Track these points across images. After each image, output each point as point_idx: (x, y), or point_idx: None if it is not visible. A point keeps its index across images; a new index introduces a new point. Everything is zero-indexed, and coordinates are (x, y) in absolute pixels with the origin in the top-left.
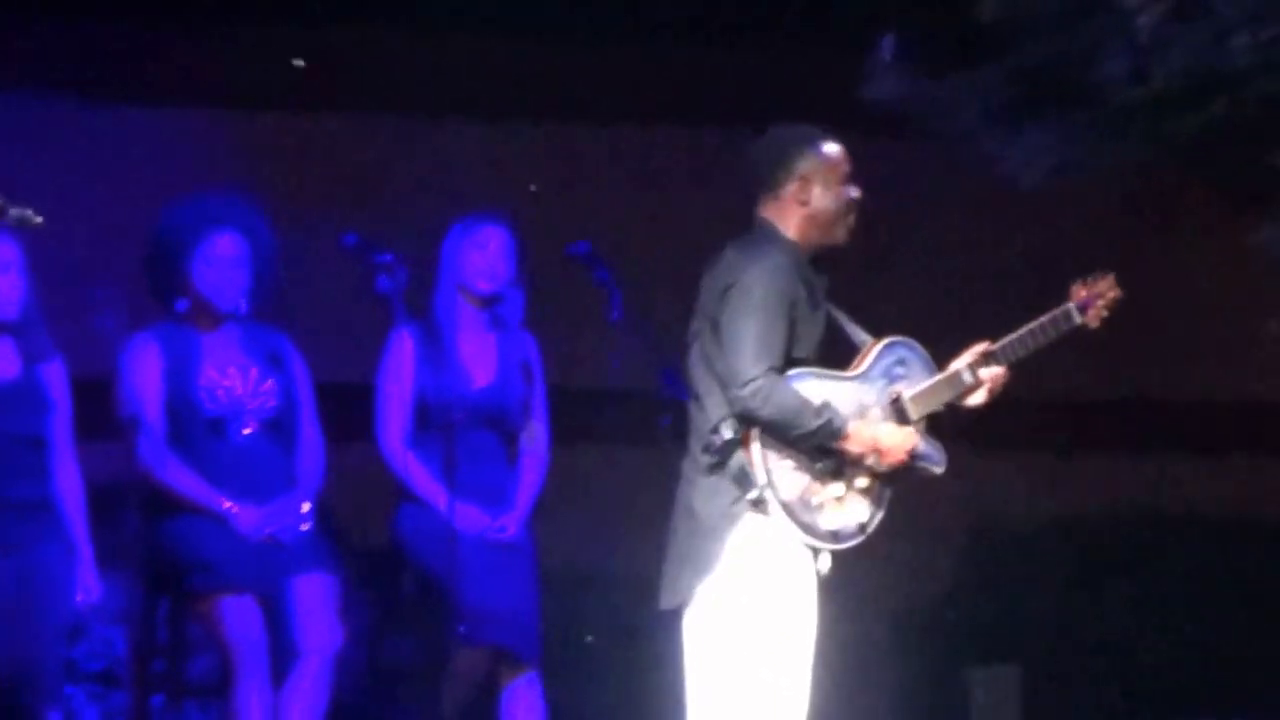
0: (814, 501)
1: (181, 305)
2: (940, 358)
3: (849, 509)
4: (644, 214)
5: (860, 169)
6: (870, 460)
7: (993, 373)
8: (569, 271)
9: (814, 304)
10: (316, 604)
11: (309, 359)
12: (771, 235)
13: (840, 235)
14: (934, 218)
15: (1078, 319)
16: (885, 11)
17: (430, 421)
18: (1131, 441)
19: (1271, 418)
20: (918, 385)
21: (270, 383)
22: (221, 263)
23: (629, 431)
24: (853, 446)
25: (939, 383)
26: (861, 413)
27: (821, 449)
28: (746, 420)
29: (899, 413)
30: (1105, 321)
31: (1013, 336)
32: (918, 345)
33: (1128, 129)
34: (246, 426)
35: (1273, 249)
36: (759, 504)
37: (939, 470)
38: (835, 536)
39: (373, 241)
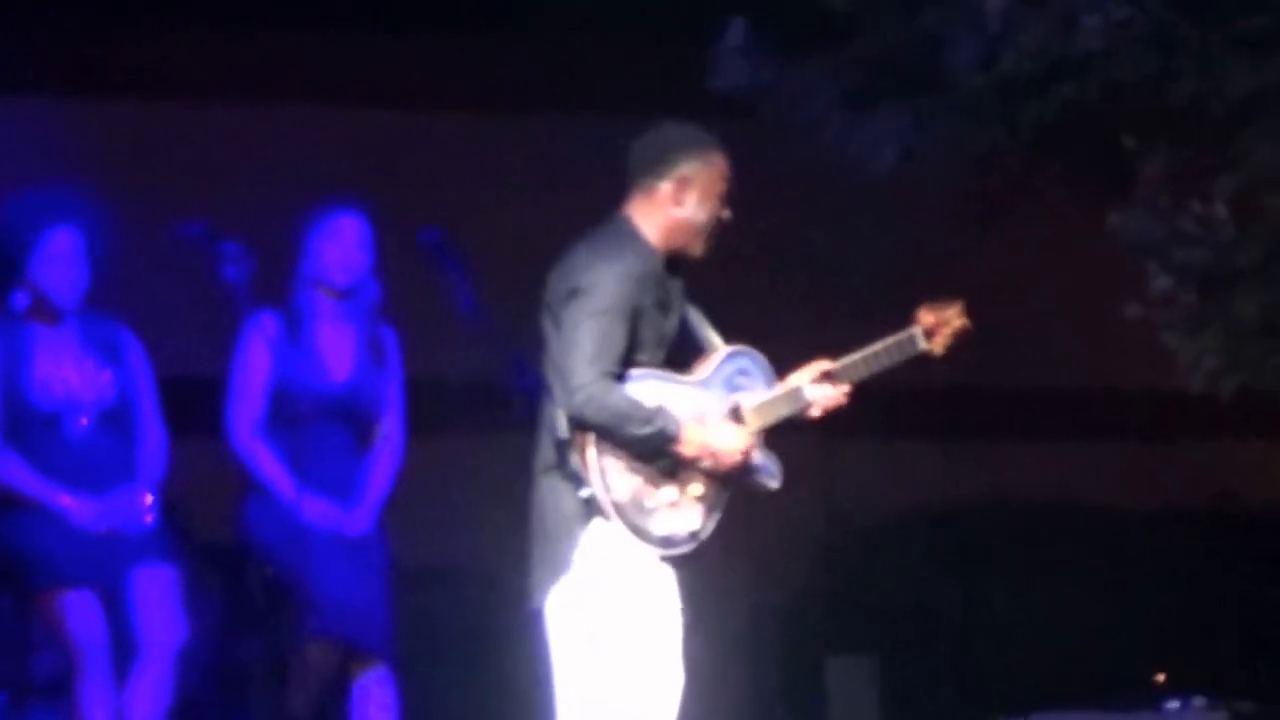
0: (647, 505)
1: (20, 302)
2: (791, 349)
3: (682, 515)
4: (495, 203)
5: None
6: (706, 464)
7: (830, 393)
8: (419, 261)
9: (665, 308)
10: (159, 598)
11: (154, 351)
12: (629, 236)
13: (699, 249)
14: (783, 205)
15: (922, 345)
16: None
17: (283, 413)
18: (986, 429)
19: (1128, 404)
20: (758, 397)
21: (108, 375)
22: (60, 259)
23: (482, 423)
24: (686, 450)
25: (778, 397)
26: (700, 419)
27: (656, 453)
28: (578, 424)
29: (737, 423)
30: (949, 350)
31: (854, 357)
32: (760, 356)
33: (977, 114)
34: (82, 419)
35: (1123, 234)
36: (591, 505)
37: (774, 485)
38: (666, 542)
39: (218, 230)
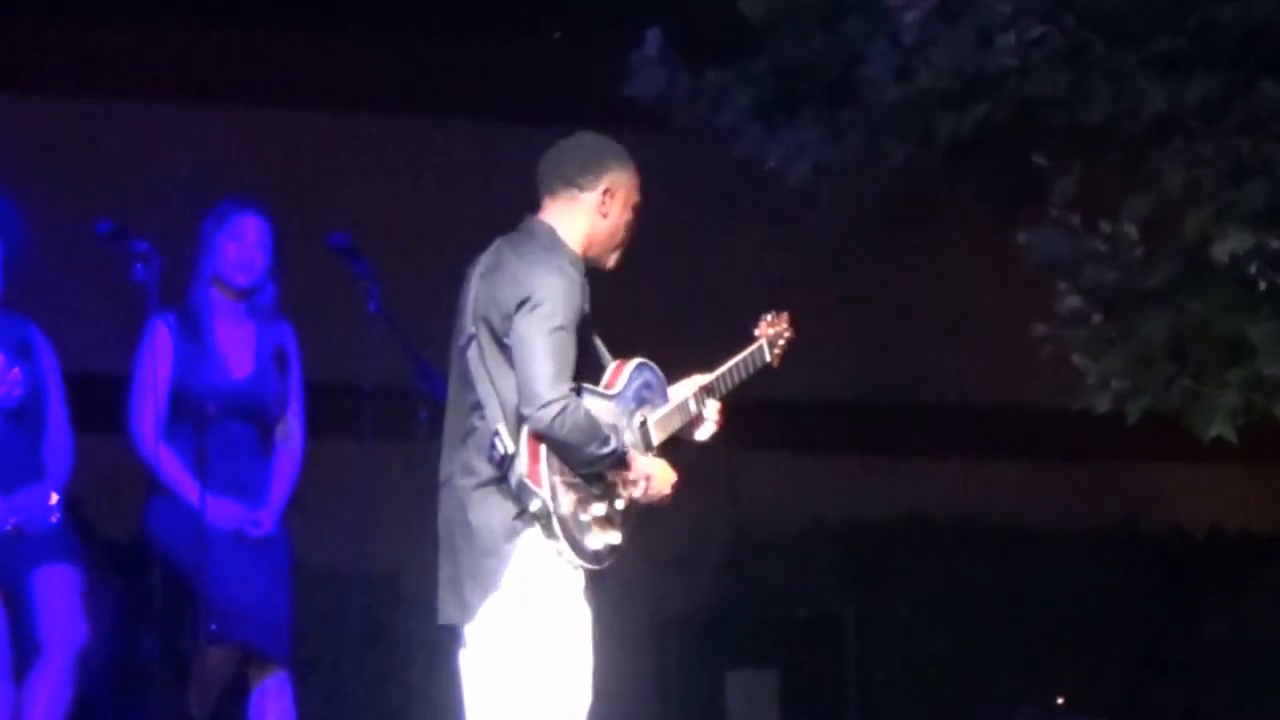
0: (583, 519)
1: None
2: (692, 361)
3: (609, 531)
4: (403, 206)
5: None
6: (637, 491)
7: (714, 406)
8: (326, 262)
9: (588, 318)
10: (60, 598)
11: (61, 348)
12: (555, 243)
13: (612, 261)
14: (694, 215)
15: (767, 356)
16: (650, 6)
17: (184, 413)
18: (892, 444)
19: (1035, 422)
20: (659, 411)
21: (16, 371)
22: None
23: (385, 426)
24: (630, 475)
25: (673, 410)
26: (619, 429)
27: (600, 473)
28: (540, 438)
29: (645, 436)
30: (782, 361)
31: (722, 370)
32: (658, 370)
33: (892, 128)
34: None
35: (1033, 252)
36: (540, 517)
37: (667, 502)
38: (596, 557)
39: (127, 229)
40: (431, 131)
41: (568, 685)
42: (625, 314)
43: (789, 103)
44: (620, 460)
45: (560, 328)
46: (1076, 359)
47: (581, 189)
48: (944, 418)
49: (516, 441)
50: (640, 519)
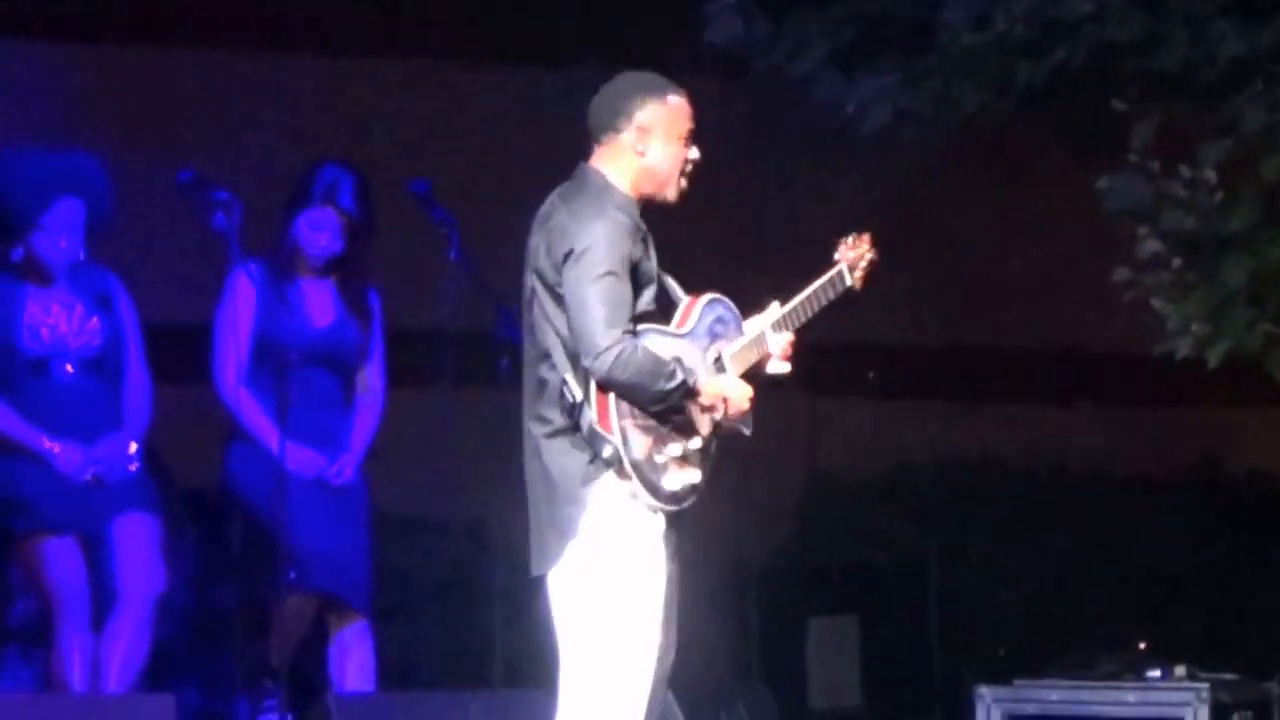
0: (659, 461)
1: (16, 256)
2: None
3: (687, 470)
4: (482, 153)
5: (699, 111)
6: (717, 413)
7: (784, 339)
8: (406, 210)
9: (648, 256)
10: (139, 546)
11: (141, 298)
12: (604, 189)
13: (671, 194)
14: (773, 163)
15: (849, 279)
16: None
17: (266, 362)
18: (972, 389)
19: (1115, 367)
20: (734, 345)
21: (95, 321)
22: (60, 229)
23: (467, 374)
24: (704, 400)
25: (750, 343)
26: (692, 367)
27: (674, 407)
28: (604, 386)
29: (720, 372)
30: (866, 283)
31: (798, 299)
32: (732, 304)
33: (969, 75)
34: (68, 365)
35: (1112, 198)
36: (612, 463)
37: (747, 431)
38: (675, 497)
39: (208, 178)
40: (514, 79)
41: (644, 631)
42: (698, 261)
43: (867, 49)
44: (690, 391)
45: (607, 273)
46: (1156, 304)
47: (618, 130)
48: (1024, 363)
49: (585, 389)
50: (720, 461)
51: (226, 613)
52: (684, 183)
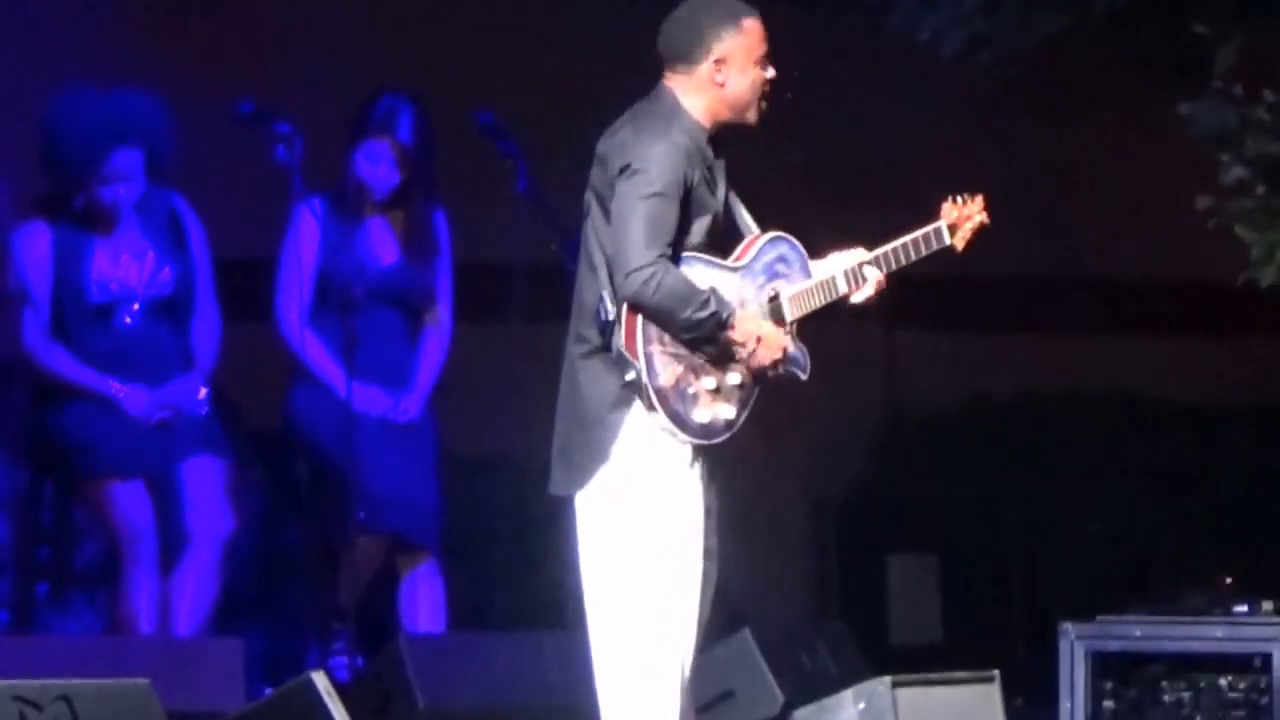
0: (689, 391)
1: (79, 203)
2: (831, 239)
3: (720, 404)
4: (548, 80)
5: (775, 38)
6: (747, 353)
7: (865, 285)
8: (471, 141)
9: (712, 187)
10: (207, 488)
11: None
12: (674, 112)
13: (751, 117)
14: (850, 90)
15: (947, 239)
16: None
17: (331, 299)
18: (1054, 321)
19: (1199, 297)
20: (796, 286)
21: (166, 271)
22: (121, 180)
23: (536, 308)
24: (736, 336)
25: (815, 287)
26: (741, 305)
27: (706, 338)
28: (634, 307)
29: (775, 311)
30: (969, 247)
31: (888, 248)
32: (799, 245)
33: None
34: (134, 306)
35: (1195, 124)
36: (633, 387)
37: (803, 376)
38: (705, 430)
39: (269, 109)
40: (576, 4)
41: (678, 562)
42: (771, 193)
43: None
44: (722, 324)
45: (658, 194)
46: (1241, 231)
47: (695, 62)
48: (1105, 292)
49: (619, 309)
50: (797, 395)
51: (295, 554)
52: (764, 105)
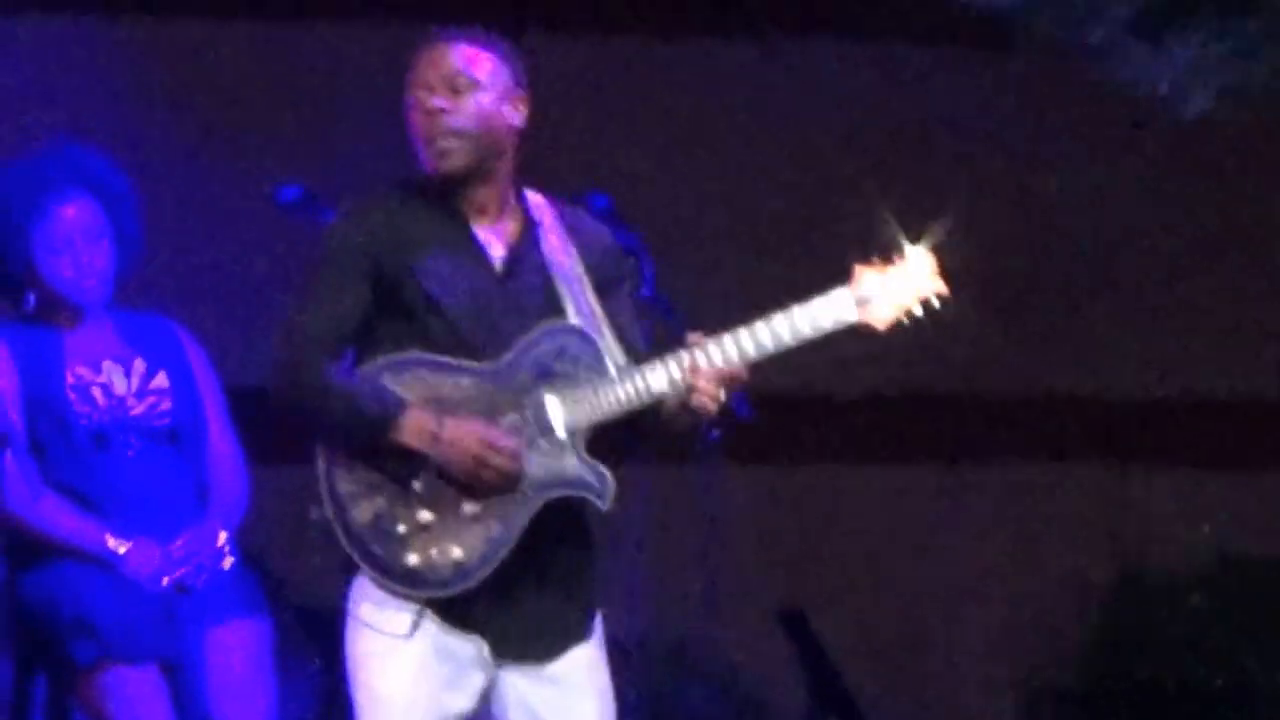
0: (397, 530)
1: (29, 301)
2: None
3: (441, 543)
4: (675, 152)
5: (945, 84)
6: (449, 468)
7: (719, 365)
8: None
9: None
10: (240, 665)
11: (225, 352)
12: None
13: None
14: (1041, 150)
15: (851, 314)
16: None
17: None
18: None
19: None
20: (577, 388)
21: (161, 376)
22: (68, 242)
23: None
24: (408, 439)
25: (603, 387)
26: (490, 412)
27: (403, 460)
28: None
29: (539, 419)
30: (895, 328)
31: (745, 327)
32: (595, 337)
33: None
34: (134, 438)
35: None
36: (322, 530)
37: (601, 504)
38: (414, 579)
39: (319, 194)
40: (717, 54)
41: None
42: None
43: (1179, 13)
44: (379, 425)
45: (319, 266)
46: None
47: None
48: None
49: None
50: (996, 557)
51: None
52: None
